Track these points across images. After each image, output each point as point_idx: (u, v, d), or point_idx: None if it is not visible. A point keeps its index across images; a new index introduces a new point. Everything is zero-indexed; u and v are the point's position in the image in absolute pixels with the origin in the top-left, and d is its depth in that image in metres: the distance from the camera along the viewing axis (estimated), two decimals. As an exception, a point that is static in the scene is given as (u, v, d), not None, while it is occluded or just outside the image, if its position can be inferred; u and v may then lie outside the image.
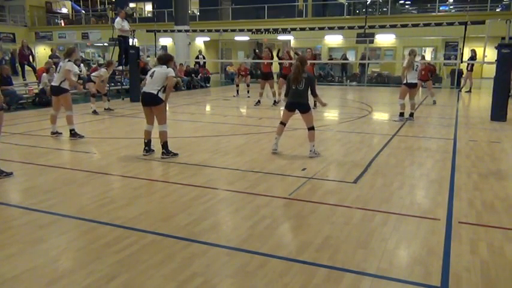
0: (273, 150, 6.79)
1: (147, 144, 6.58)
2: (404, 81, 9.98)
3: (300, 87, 6.47)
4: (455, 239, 3.70)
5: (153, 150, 6.65)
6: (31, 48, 18.35)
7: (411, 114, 10.22)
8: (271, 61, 13.62)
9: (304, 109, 6.57)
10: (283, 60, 13.07)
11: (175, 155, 6.49)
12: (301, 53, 13.28)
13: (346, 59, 24.27)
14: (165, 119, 6.38)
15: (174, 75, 6.41)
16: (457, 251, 3.47)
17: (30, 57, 17.45)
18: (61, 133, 8.14)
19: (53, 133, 8.08)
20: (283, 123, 6.80)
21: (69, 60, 7.70)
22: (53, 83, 7.95)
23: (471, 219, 4.16)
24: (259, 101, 13.27)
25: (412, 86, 10.03)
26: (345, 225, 3.97)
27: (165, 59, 6.46)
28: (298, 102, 6.55)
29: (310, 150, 6.61)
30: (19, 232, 3.85)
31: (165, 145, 6.43)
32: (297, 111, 6.64)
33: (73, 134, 7.88)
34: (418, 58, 11.51)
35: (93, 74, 11.79)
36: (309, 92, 6.57)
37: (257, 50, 15.63)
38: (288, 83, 6.70)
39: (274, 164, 6.21)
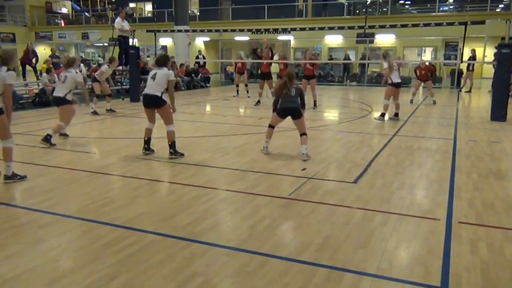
0: (263, 151, 6.78)
1: (147, 142, 6.58)
2: (390, 82, 9.99)
3: (291, 94, 6.42)
4: (455, 239, 3.70)
5: (153, 151, 6.65)
6: (36, 52, 18.31)
7: (396, 114, 10.22)
8: (271, 61, 13.61)
9: (297, 115, 6.49)
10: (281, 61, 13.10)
11: (182, 155, 6.47)
12: (301, 54, 13.26)
13: (349, 59, 24.24)
14: (171, 119, 6.41)
15: (174, 78, 6.46)
16: (457, 251, 3.47)
17: (34, 60, 17.44)
18: (68, 135, 8.05)
19: (60, 134, 7.90)
20: (272, 126, 6.78)
21: (76, 72, 7.70)
22: (57, 94, 7.60)
23: (471, 219, 4.16)
24: (259, 101, 13.26)
25: (398, 86, 10.10)
26: (345, 225, 3.97)
27: (163, 60, 6.48)
28: (290, 108, 6.46)
29: (303, 153, 6.41)
30: (19, 232, 3.85)
31: (172, 145, 6.42)
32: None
33: (47, 139, 7.30)
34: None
35: (96, 72, 11.66)
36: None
37: (259, 49, 15.50)
38: (276, 95, 6.67)
39: (274, 164, 6.21)
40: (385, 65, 9.95)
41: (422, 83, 14.26)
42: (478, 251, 3.48)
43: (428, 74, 13.96)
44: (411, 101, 13.83)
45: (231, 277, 3.07)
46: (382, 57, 10.50)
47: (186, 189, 5.06)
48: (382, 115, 10.10)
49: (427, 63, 14.45)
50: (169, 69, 6.45)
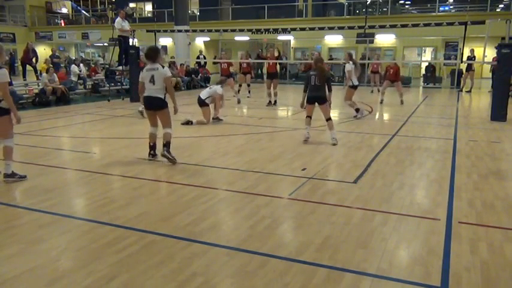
0: (305, 138, 7.52)
1: (153, 147, 6.37)
2: (351, 85, 10.54)
3: (318, 83, 7.39)
4: (455, 239, 3.70)
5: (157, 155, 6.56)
6: (36, 51, 18.25)
7: (357, 110, 10.70)
8: (276, 61, 13.55)
9: (321, 101, 7.49)
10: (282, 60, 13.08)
11: (174, 159, 6.11)
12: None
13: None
14: (170, 122, 6.18)
15: (170, 75, 6.17)
16: (457, 251, 3.47)
17: (34, 59, 17.41)
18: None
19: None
20: (309, 117, 7.58)
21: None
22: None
23: (471, 219, 4.16)
24: (270, 102, 13.11)
25: (357, 88, 10.76)
26: (345, 225, 3.97)
27: (154, 53, 6.08)
28: (315, 96, 7.44)
29: (333, 138, 7.44)
30: (19, 232, 3.85)
31: (167, 144, 6.10)
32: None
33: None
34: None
35: None
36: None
37: (259, 50, 15.41)
38: (308, 80, 7.46)
39: (274, 164, 6.20)
40: (350, 66, 10.36)
41: (391, 83, 13.98)
42: (478, 251, 3.48)
43: (397, 75, 13.85)
44: (381, 102, 13.73)
45: (231, 277, 3.07)
46: (346, 57, 10.74)
47: (186, 189, 5.06)
48: (357, 110, 10.56)
49: (395, 63, 14.55)
50: (163, 66, 6.12)
